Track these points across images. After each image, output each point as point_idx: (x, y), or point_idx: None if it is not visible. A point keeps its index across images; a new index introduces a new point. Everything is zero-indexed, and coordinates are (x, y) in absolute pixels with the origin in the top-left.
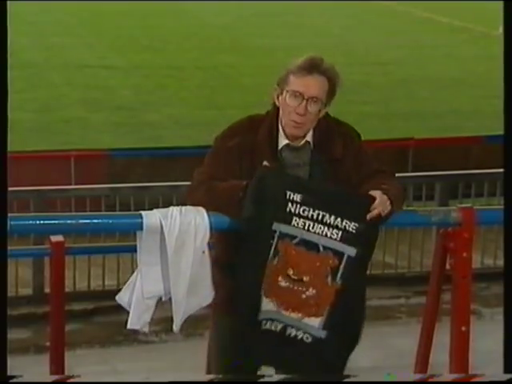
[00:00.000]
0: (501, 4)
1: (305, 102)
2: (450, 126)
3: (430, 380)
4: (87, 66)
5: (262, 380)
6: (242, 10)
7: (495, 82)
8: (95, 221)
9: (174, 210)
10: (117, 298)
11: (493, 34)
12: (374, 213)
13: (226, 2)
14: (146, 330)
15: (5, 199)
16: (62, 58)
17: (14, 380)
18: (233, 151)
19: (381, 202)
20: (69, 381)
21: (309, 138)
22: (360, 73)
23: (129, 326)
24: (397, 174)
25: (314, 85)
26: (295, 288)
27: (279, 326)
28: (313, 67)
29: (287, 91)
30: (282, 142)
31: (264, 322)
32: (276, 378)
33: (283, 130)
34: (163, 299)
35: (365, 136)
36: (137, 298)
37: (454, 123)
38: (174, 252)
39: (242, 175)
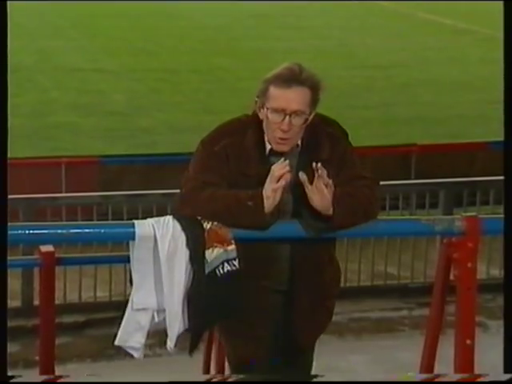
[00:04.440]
0: None
1: (288, 117)
2: (454, 131)
3: (430, 380)
4: (78, 69)
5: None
6: (239, 11)
7: (501, 86)
8: (86, 230)
9: (168, 217)
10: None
11: (498, 37)
12: None
13: (222, 2)
14: (141, 355)
15: (5, 207)
16: (53, 61)
17: (14, 380)
18: (220, 155)
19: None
20: (68, 380)
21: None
22: (361, 76)
23: (117, 342)
24: (399, 182)
25: (294, 99)
26: None
27: None
28: (292, 78)
29: (268, 108)
30: (269, 146)
31: None
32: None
33: (269, 143)
34: (156, 319)
35: (366, 142)
36: (128, 312)
37: (458, 129)
38: (166, 259)
39: (231, 178)
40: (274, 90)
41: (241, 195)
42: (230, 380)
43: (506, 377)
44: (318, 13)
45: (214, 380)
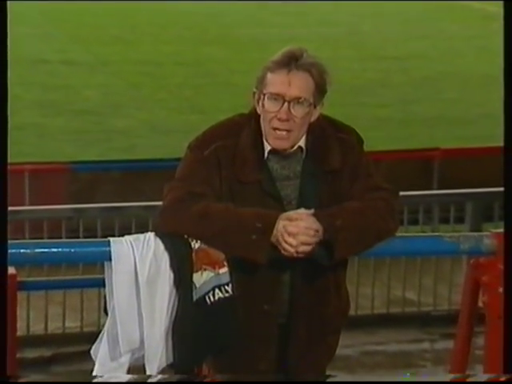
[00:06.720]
0: None
1: (286, 104)
2: (483, 133)
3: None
4: (44, 61)
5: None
6: None
7: None
8: (54, 249)
9: (149, 234)
10: (91, 351)
11: None
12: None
13: None
14: None
15: (5, 221)
16: (14, 51)
17: (13, 380)
18: (210, 160)
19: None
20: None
21: (301, 143)
22: (375, 69)
23: None
24: (420, 192)
25: (294, 83)
26: None
27: None
28: (291, 62)
29: (264, 94)
30: (268, 147)
31: None
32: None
33: (267, 141)
34: (136, 355)
35: (380, 145)
36: (104, 347)
37: (487, 130)
38: (146, 283)
39: (223, 188)
40: (271, 74)
41: (245, 214)
42: (224, 380)
43: (506, 377)
44: None
45: (208, 380)
